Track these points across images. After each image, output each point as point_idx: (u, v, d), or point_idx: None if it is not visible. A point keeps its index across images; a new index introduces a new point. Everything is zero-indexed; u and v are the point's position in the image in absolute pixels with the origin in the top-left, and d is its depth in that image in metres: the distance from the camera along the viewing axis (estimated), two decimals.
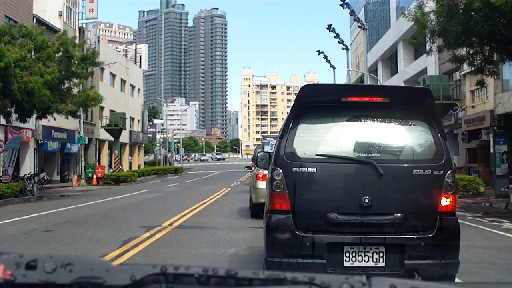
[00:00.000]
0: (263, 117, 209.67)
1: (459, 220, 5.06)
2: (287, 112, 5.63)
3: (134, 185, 34.82)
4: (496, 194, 19.27)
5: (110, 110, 44.62)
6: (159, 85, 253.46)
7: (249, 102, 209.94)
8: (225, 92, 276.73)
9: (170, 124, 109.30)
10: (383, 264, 4.75)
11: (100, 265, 1.07)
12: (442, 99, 25.30)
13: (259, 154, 6.15)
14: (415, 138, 5.04)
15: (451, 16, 15.16)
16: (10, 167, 23.90)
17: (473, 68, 18.98)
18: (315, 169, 4.86)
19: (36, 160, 32.83)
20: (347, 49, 38.83)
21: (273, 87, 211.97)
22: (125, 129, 45.02)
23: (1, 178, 23.04)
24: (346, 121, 5.14)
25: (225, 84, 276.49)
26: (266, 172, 6.33)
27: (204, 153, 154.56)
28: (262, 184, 11.45)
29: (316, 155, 4.90)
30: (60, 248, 9.27)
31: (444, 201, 4.85)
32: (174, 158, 78.16)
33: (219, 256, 8.33)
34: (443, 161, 4.90)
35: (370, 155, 4.89)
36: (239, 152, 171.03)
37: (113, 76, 48.58)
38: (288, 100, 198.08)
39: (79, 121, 33.52)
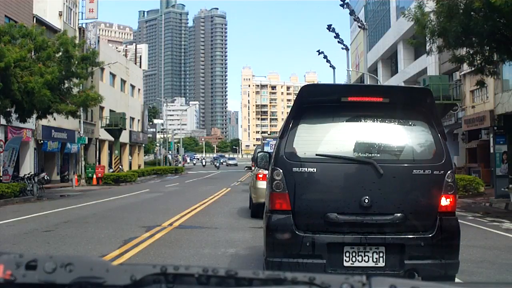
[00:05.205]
0: (263, 117, 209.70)
1: (459, 220, 5.06)
2: (287, 112, 5.63)
3: (134, 185, 34.83)
4: (496, 194, 19.26)
5: (110, 110, 44.61)
6: (159, 85, 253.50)
7: (249, 102, 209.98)
8: (225, 92, 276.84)
9: (170, 124, 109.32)
10: (383, 264, 4.75)
11: (100, 265, 1.07)
12: (442, 99, 25.29)
13: (259, 154, 6.15)
14: (415, 138, 5.03)
15: (451, 16, 15.15)
16: (10, 167, 23.90)
17: (473, 68, 18.96)
18: (315, 169, 4.85)
19: (36, 160, 32.83)
20: (347, 49, 38.82)
21: (273, 87, 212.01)
22: (125, 129, 45.01)
23: (1, 178, 23.03)
24: (346, 121, 5.14)
25: (225, 84, 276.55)
26: (266, 172, 6.33)
27: (231, 155, 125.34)
28: (262, 184, 11.45)
29: (316, 155, 4.90)
30: (60, 248, 9.27)
31: (444, 201, 4.85)
32: (175, 159, 77.96)
33: (219, 256, 8.33)
34: (443, 161, 4.90)
35: (370, 155, 4.89)
36: (239, 152, 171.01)
37: (113, 76, 48.57)
38: (288, 100, 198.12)
39: (79, 121, 33.53)
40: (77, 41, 25.60)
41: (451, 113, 29.55)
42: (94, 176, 35.17)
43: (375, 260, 4.76)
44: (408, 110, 5.11)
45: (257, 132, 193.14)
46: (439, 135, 5.00)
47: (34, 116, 24.39)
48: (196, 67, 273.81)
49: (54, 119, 25.85)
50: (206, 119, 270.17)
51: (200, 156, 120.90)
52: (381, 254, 4.76)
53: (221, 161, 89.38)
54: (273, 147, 12.90)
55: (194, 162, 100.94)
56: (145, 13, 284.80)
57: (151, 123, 72.40)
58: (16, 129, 28.02)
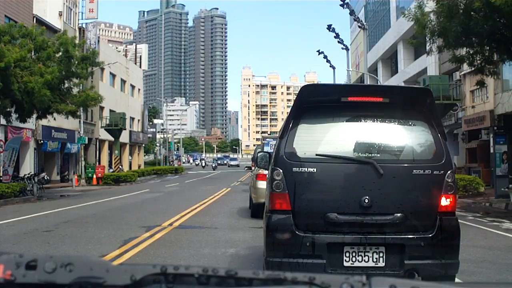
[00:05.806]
0: (263, 117, 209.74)
1: (459, 220, 5.06)
2: (287, 112, 5.63)
3: (134, 185, 34.82)
4: (496, 194, 19.26)
5: (110, 110, 44.61)
6: (159, 85, 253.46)
7: (249, 102, 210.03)
8: (225, 92, 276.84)
9: (170, 124, 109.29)
10: (383, 264, 4.75)
11: (100, 265, 1.07)
12: (442, 99, 25.30)
13: (259, 154, 6.14)
14: (415, 138, 5.03)
15: (451, 16, 15.16)
16: (10, 167, 23.90)
17: (473, 68, 18.97)
18: (315, 169, 4.85)
19: (36, 160, 32.83)
20: (347, 49, 38.82)
21: (273, 87, 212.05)
22: (125, 129, 45.00)
23: (1, 178, 23.03)
24: (346, 121, 5.14)
25: (225, 84, 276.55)
26: (266, 172, 6.33)
27: (232, 155, 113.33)
28: (262, 184, 11.44)
29: (316, 155, 4.90)
30: (60, 248, 9.27)
31: (444, 201, 4.85)
32: (173, 158, 77.82)
33: (219, 256, 8.33)
34: (443, 161, 4.90)
35: (370, 155, 4.89)
36: (239, 152, 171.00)
37: (113, 76, 48.57)
38: (288, 100, 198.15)
39: (79, 121, 33.52)
40: (77, 41, 25.60)
41: (451, 113, 29.56)
42: (94, 176, 35.15)
43: (375, 260, 4.76)
44: (408, 110, 5.11)
45: (257, 132, 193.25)
46: (439, 135, 5.00)
47: (34, 116, 24.39)
48: (196, 67, 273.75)
49: (54, 119, 25.86)
50: (206, 119, 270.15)
51: (205, 156, 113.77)
52: (381, 254, 4.76)
53: (224, 161, 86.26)
54: (273, 147, 12.90)
55: (197, 162, 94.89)
56: (145, 13, 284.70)
57: (151, 123, 72.38)
58: (16, 129, 28.02)
